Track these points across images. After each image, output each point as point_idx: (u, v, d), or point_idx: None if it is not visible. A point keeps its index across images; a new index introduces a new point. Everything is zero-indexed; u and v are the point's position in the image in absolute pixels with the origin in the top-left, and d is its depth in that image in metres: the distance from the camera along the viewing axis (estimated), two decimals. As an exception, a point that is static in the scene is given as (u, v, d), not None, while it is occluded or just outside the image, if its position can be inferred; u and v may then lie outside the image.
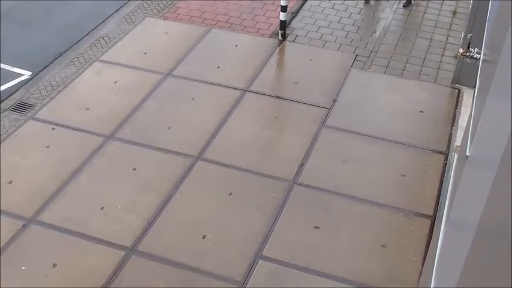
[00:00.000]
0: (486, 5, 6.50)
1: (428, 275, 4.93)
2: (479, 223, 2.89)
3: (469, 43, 6.96)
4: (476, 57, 6.83)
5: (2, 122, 11.11)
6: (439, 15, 14.49)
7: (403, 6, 14.51)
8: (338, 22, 14.02)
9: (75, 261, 8.70)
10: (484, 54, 5.78)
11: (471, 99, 7.19)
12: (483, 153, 3.51)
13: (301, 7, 14.74)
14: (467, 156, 4.43)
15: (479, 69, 5.79)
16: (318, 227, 9.19)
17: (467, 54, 6.97)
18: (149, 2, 14.88)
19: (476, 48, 6.90)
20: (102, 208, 9.46)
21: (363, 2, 14.71)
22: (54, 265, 8.64)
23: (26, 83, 12.23)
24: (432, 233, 8.95)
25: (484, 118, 3.90)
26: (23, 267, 8.61)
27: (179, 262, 8.69)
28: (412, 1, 14.71)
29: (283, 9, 13.19)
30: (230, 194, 9.71)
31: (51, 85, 12.06)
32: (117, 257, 8.76)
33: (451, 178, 5.57)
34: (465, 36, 9.94)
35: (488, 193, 2.78)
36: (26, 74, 12.47)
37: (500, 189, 2.53)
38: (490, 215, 2.68)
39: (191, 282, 8.47)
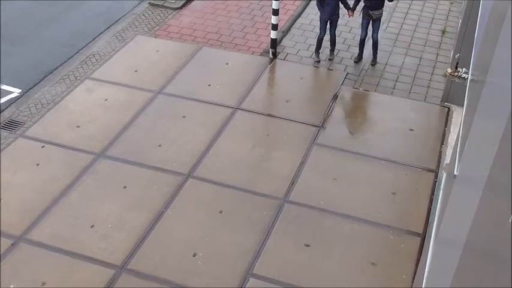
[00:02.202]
0: (474, 25, 6.54)
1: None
2: (466, 241, 2.90)
3: (457, 63, 6.97)
4: (464, 77, 6.85)
5: (-9, 139, 11.12)
6: (428, 34, 14.61)
7: (355, 61, 13.49)
8: (328, 40, 14.09)
9: (65, 280, 8.63)
10: (471, 74, 5.80)
11: (460, 118, 7.20)
12: (470, 172, 3.52)
13: (292, 25, 14.83)
14: (455, 175, 4.43)
15: (467, 88, 5.81)
16: (308, 245, 9.17)
17: (456, 74, 7.00)
18: (140, 20, 14.93)
19: (464, 68, 6.93)
20: (92, 226, 9.41)
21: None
22: (43, 284, 8.57)
23: (15, 101, 12.21)
24: (422, 250, 8.96)
25: (471, 137, 3.92)
26: (12, 286, 8.54)
27: (169, 280, 8.65)
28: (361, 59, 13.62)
29: (274, 27, 13.26)
30: (221, 212, 9.69)
31: (41, 103, 12.05)
32: (107, 276, 8.70)
33: (440, 196, 5.57)
34: (454, 55, 9.99)
35: (475, 212, 2.79)
36: (16, 91, 12.45)
37: (486, 208, 2.54)
38: (477, 233, 2.70)
39: (181, 300, 8.45)
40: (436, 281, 3.95)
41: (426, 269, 4.66)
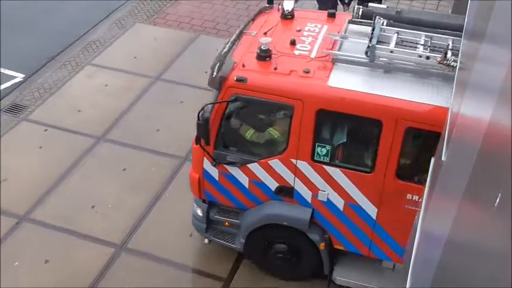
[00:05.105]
0: (464, 13, 6.50)
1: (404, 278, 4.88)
2: (451, 226, 2.94)
3: (446, 51, 7.04)
4: (453, 65, 6.87)
5: (-4, 122, 11.45)
6: (420, 24, 14.79)
7: None
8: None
9: (67, 258, 8.95)
10: (460, 62, 5.84)
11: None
12: (457, 158, 3.53)
13: (288, 15, 15.02)
14: (442, 161, 4.38)
15: (456, 76, 5.79)
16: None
17: (444, 62, 7.03)
18: (139, 8, 15.19)
19: (453, 56, 6.95)
20: (93, 207, 9.72)
21: None
22: (46, 261, 8.89)
23: (19, 85, 12.48)
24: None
25: (458, 124, 3.96)
26: (16, 263, 8.86)
27: (168, 259, 8.96)
28: None
29: (270, 16, 13.49)
30: (217, 194, 9.98)
31: (44, 88, 12.32)
32: (107, 254, 9.02)
33: (427, 182, 5.64)
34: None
35: (461, 198, 2.84)
36: (20, 76, 12.71)
37: (472, 194, 2.61)
38: (462, 219, 2.76)
39: (180, 279, 8.76)
40: (421, 269, 3.97)
41: (412, 256, 4.54)
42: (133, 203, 9.79)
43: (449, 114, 5.25)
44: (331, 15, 8.33)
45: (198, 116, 7.18)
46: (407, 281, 4.26)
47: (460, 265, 2.59)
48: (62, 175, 10.30)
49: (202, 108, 7.19)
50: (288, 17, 8.19)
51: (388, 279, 8.23)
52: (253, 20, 8.43)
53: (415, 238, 4.75)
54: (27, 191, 9.97)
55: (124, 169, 10.41)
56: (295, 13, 8.24)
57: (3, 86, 12.40)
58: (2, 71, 12.80)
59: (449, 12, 11.84)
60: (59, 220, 9.52)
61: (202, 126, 7.28)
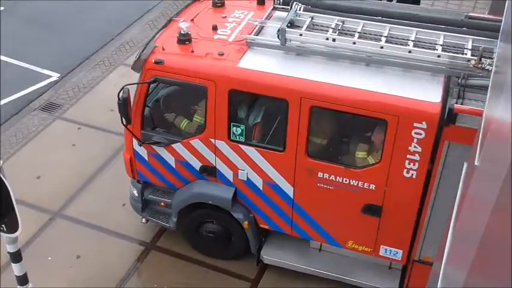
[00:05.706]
0: (501, 14, 6.22)
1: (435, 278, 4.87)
2: (484, 232, 2.93)
3: (482, 54, 6.89)
4: (488, 69, 6.79)
5: (32, 120, 11.63)
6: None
7: None
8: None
9: (98, 254, 9.12)
10: (496, 66, 5.60)
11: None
12: (491, 163, 3.48)
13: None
14: (475, 165, 4.26)
15: (491, 80, 5.51)
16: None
17: (479, 65, 6.89)
18: (172, 9, 15.33)
19: (488, 60, 6.85)
20: (124, 204, 9.80)
21: None
22: (78, 257, 9.07)
23: (54, 84, 12.70)
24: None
25: (492, 128, 3.84)
26: (49, 258, 9.05)
27: (195, 258, 9.08)
28: None
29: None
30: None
31: (78, 87, 12.54)
32: (137, 251, 9.19)
33: (459, 186, 5.49)
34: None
35: (494, 203, 2.81)
36: (55, 75, 12.94)
37: (506, 200, 2.57)
38: (495, 224, 2.75)
39: (209, 278, 8.87)
40: (452, 274, 3.93)
41: (444, 257, 4.48)
42: (163, 202, 9.87)
43: (483, 119, 5.11)
44: (261, 3, 8.59)
45: (118, 96, 7.50)
46: (439, 282, 4.30)
47: (492, 270, 2.59)
48: (95, 173, 10.47)
49: (122, 89, 7.51)
50: (217, 4, 8.53)
51: (315, 260, 8.48)
52: (186, 8, 8.74)
53: (447, 238, 4.75)
54: (61, 188, 10.17)
55: (155, 168, 10.52)
56: (226, 1, 8.58)
57: (39, 85, 12.64)
58: (38, 70, 13.04)
59: (488, 7, 11.53)
60: (91, 217, 9.70)
61: (121, 105, 7.67)
